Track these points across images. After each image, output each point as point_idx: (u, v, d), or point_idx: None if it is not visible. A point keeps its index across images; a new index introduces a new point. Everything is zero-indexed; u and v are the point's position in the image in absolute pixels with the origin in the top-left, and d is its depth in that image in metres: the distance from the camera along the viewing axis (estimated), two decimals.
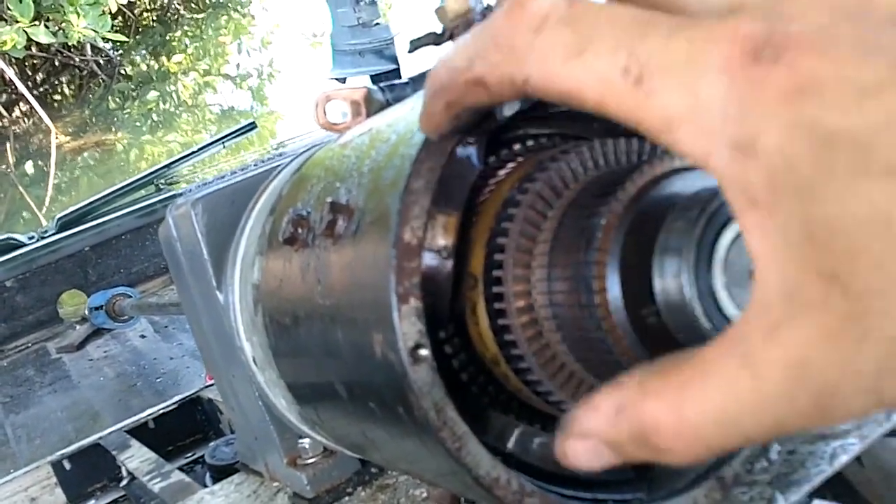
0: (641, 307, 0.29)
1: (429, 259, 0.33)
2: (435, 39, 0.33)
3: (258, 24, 9.42)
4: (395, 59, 2.46)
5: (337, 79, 2.50)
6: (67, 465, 0.99)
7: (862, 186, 0.18)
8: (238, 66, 8.48)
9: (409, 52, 0.34)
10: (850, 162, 0.18)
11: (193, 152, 2.50)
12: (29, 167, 6.62)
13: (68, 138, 6.80)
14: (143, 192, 2.38)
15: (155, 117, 7.30)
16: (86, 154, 6.42)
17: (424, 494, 0.53)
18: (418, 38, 0.34)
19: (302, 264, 0.39)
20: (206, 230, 0.57)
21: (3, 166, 6.67)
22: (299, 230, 0.39)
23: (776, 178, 0.18)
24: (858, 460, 0.55)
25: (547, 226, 0.32)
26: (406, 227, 0.30)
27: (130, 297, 1.81)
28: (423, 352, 0.30)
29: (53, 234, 2.14)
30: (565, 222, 0.32)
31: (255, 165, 0.63)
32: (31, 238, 2.14)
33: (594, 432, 0.23)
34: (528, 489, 0.32)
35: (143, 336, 2.00)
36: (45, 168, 6.37)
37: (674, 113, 0.20)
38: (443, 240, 0.33)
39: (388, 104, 0.46)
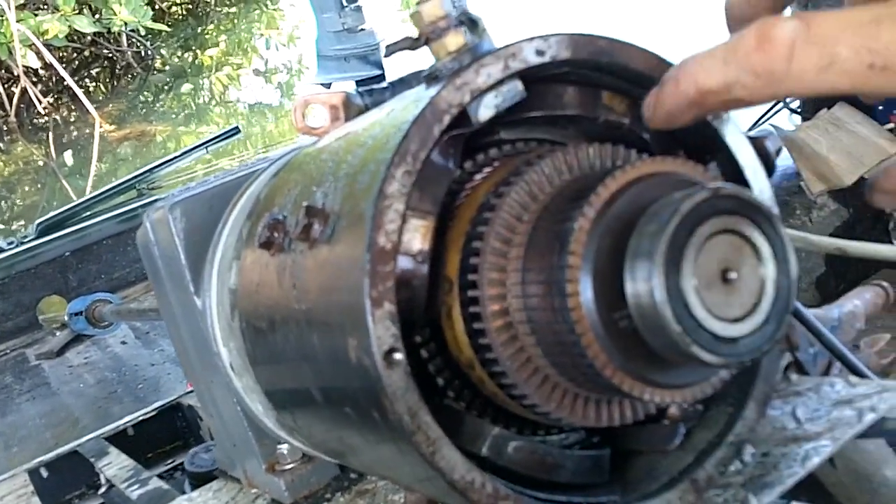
0: (613, 311, 0.29)
1: (404, 263, 0.33)
2: (411, 44, 0.33)
3: (286, 19, 9.43)
4: (380, 65, 2.46)
5: (322, 84, 2.50)
6: (45, 473, 0.98)
7: None
8: (266, 62, 8.50)
9: (385, 56, 0.34)
10: None
11: (176, 157, 2.49)
12: (68, 157, 6.54)
13: (113, 127, 6.72)
14: (124, 196, 2.36)
15: (187, 110, 7.29)
16: (126, 144, 6.36)
17: (404, 500, 0.53)
18: (394, 43, 0.34)
19: (278, 268, 0.39)
20: (183, 235, 0.57)
21: (37, 159, 6.58)
22: (275, 234, 0.39)
23: None
24: (831, 462, 0.56)
25: (522, 230, 0.32)
26: (380, 231, 0.30)
27: (111, 302, 1.80)
28: (398, 356, 0.30)
29: (33, 240, 2.11)
30: (540, 226, 0.32)
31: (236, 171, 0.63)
32: (10, 243, 2.12)
33: None
34: (502, 493, 0.32)
35: (123, 342, 1.98)
36: (83, 158, 6.28)
37: None
38: (418, 244, 0.33)
39: (366, 109, 0.46)
